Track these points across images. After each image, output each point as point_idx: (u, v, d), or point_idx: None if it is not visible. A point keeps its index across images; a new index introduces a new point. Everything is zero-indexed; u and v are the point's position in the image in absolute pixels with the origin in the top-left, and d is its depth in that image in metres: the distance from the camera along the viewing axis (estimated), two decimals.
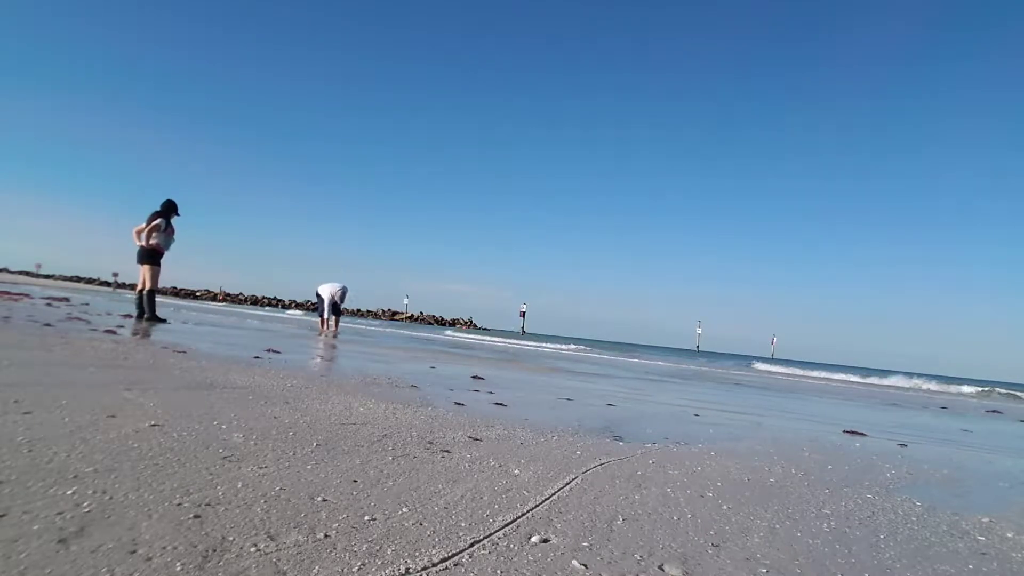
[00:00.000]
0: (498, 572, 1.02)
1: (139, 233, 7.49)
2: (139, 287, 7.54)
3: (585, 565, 1.09)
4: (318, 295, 10.81)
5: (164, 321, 7.50)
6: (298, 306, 53.97)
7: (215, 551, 0.96)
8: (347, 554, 1.01)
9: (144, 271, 7.46)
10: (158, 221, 7.47)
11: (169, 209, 7.70)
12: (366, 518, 1.19)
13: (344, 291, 10.85)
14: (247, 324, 11.04)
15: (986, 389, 16.42)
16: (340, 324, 11.57)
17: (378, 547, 1.05)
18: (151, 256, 7.46)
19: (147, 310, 7.35)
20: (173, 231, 7.73)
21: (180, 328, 7.14)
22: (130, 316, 7.97)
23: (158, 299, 7.79)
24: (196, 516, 1.09)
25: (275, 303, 56.54)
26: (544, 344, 21.50)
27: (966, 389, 16.32)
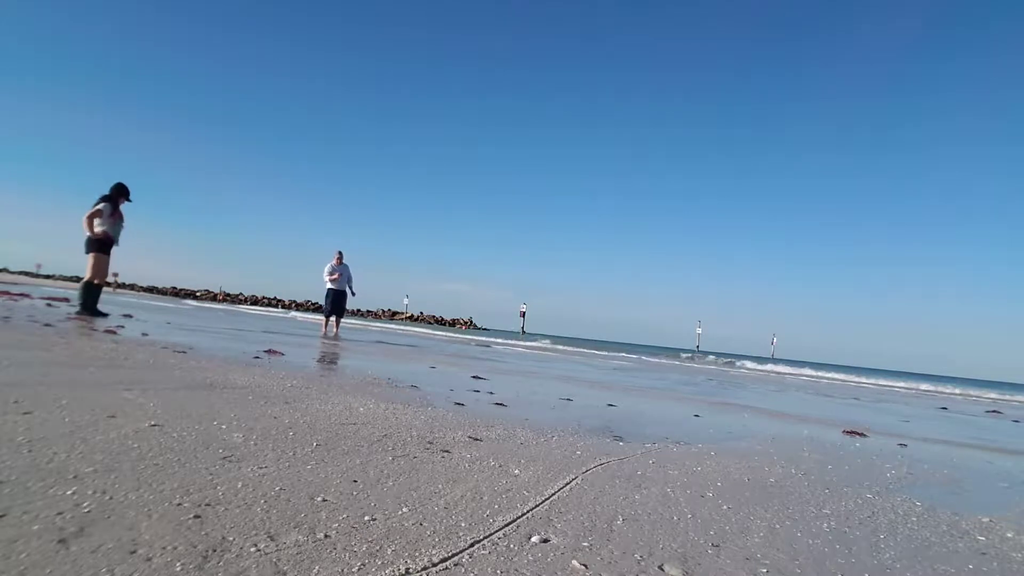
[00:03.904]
0: (498, 572, 1.01)
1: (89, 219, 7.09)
2: (86, 277, 7.06)
3: (585, 565, 1.09)
4: (327, 290, 10.30)
5: (104, 315, 6.95)
6: (298, 306, 53.98)
7: (215, 551, 0.96)
8: (347, 554, 1.01)
9: (89, 260, 7.00)
10: (101, 206, 6.98)
11: (118, 193, 7.21)
12: (366, 518, 1.19)
13: (349, 279, 10.34)
14: (247, 324, 11.03)
15: (986, 389, 16.41)
16: (341, 324, 11.37)
17: (378, 547, 1.05)
18: (99, 245, 7.03)
19: (83, 300, 6.93)
20: (121, 217, 7.24)
21: (168, 328, 7.14)
22: (130, 316, 7.98)
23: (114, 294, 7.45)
24: (196, 516, 1.09)
25: (275, 303, 56.52)
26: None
27: (965, 389, 16.31)
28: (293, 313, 33.36)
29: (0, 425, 1.56)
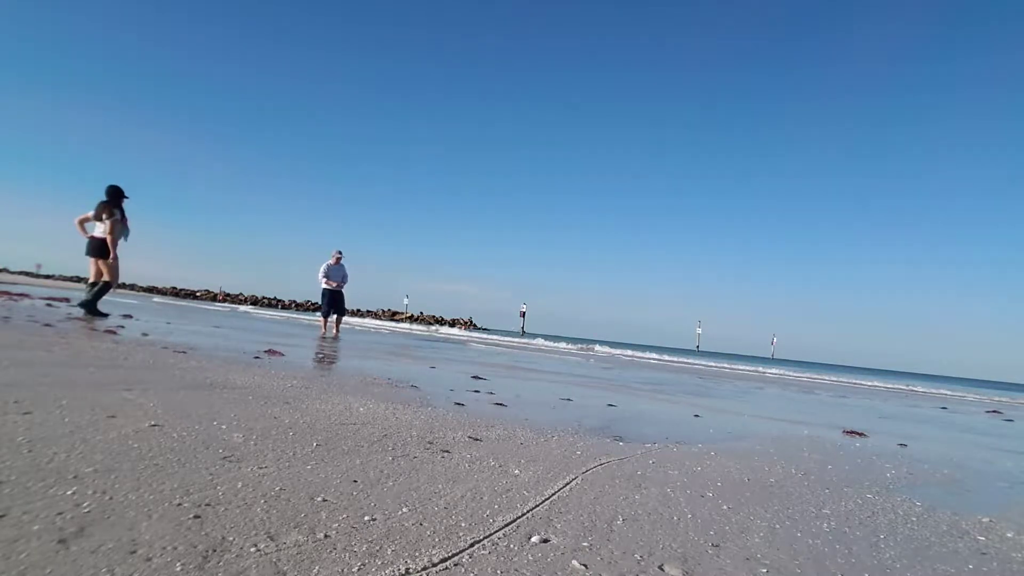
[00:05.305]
0: (498, 572, 1.02)
1: (83, 223, 7.18)
2: (95, 279, 7.13)
3: (585, 565, 1.09)
4: (323, 290, 10.27)
5: (105, 316, 6.97)
6: (298, 306, 54.02)
7: (215, 551, 0.96)
8: (347, 554, 1.01)
9: (101, 264, 7.12)
10: (118, 216, 7.20)
11: (119, 197, 7.33)
12: (366, 518, 1.19)
13: (344, 277, 10.33)
14: (246, 324, 11.03)
15: (985, 389, 16.42)
16: (342, 324, 11.26)
17: (378, 547, 1.05)
18: (106, 249, 7.12)
19: (93, 300, 6.99)
20: (127, 220, 7.42)
21: (168, 328, 7.14)
22: (130, 316, 7.98)
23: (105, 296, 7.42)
24: (196, 516, 1.09)
25: (275, 303, 56.55)
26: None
27: (965, 389, 16.31)
28: (245, 308, 34.05)
29: (0, 425, 1.56)
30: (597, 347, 22.94)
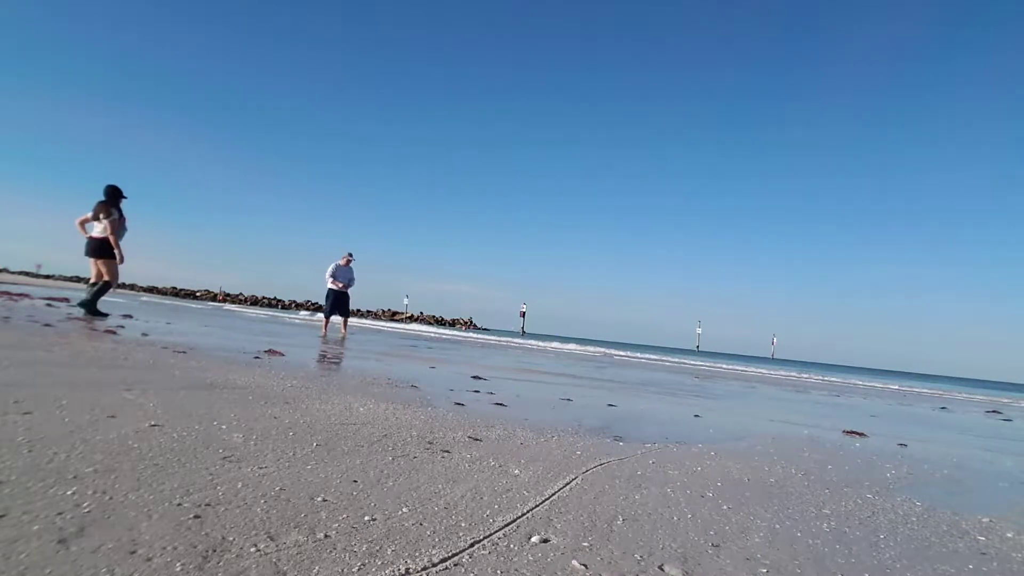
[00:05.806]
0: (498, 572, 1.01)
1: (83, 224, 7.20)
2: (95, 279, 7.17)
3: (585, 565, 1.09)
4: (328, 290, 10.06)
5: (105, 316, 7.00)
6: (299, 306, 54.04)
7: (215, 551, 0.96)
8: (347, 554, 1.01)
9: (100, 264, 7.15)
10: (116, 216, 7.24)
11: (116, 196, 7.35)
12: (366, 518, 1.19)
13: (351, 280, 10.14)
14: (243, 324, 11.02)
15: (985, 389, 16.41)
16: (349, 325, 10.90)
17: (378, 547, 1.05)
18: (108, 249, 7.15)
19: (92, 299, 7.01)
20: (125, 219, 7.45)
21: (168, 328, 7.14)
22: (130, 316, 7.98)
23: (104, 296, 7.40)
24: (196, 516, 1.09)
25: (275, 303, 56.59)
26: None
27: (965, 390, 16.30)
28: (230, 306, 34.49)
29: (0, 425, 1.56)
30: (572, 345, 23.15)
